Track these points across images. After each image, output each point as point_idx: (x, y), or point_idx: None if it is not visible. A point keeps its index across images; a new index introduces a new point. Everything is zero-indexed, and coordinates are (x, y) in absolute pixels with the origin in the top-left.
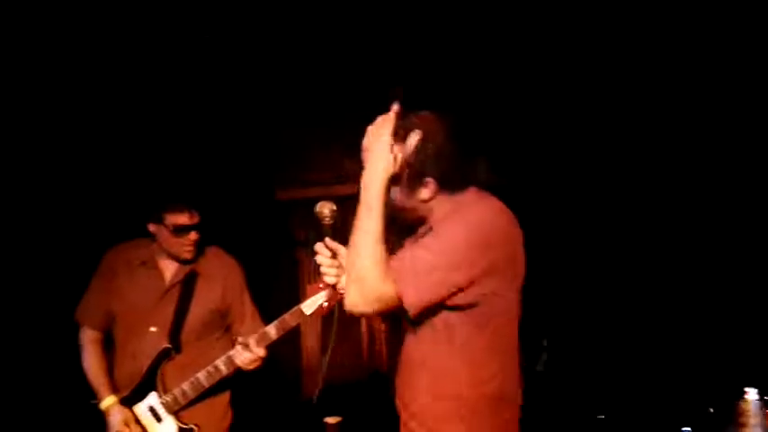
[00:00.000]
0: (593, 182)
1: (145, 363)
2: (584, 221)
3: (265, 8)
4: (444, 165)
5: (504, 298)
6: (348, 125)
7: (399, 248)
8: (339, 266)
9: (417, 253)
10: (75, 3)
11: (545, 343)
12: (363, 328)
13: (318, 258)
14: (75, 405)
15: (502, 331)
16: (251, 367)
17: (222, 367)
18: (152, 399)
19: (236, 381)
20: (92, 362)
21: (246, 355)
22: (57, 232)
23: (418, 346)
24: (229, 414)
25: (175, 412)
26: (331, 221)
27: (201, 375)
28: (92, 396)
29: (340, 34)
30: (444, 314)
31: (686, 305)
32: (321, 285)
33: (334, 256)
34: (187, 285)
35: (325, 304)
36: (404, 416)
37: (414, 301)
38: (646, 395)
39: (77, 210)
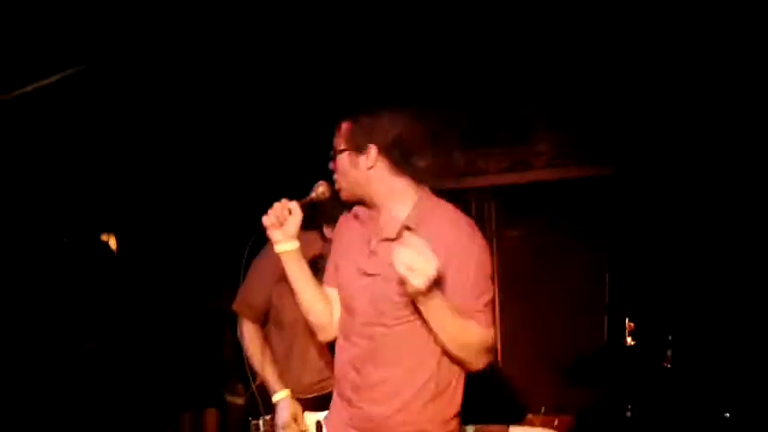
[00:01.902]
0: (711, 177)
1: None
2: (705, 216)
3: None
4: (389, 137)
5: None
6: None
7: (375, 254)
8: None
9: (469, 291)
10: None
11: (670, 338)
12: None
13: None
14: None
15: None
16: None
17: None
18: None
19: None
20: (258, 354)
21: None
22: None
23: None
24: None
25: None
26: (318, 198)
27: None
28: None
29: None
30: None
31: None
32: None
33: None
34: None
35: None
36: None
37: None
38: None
39: None
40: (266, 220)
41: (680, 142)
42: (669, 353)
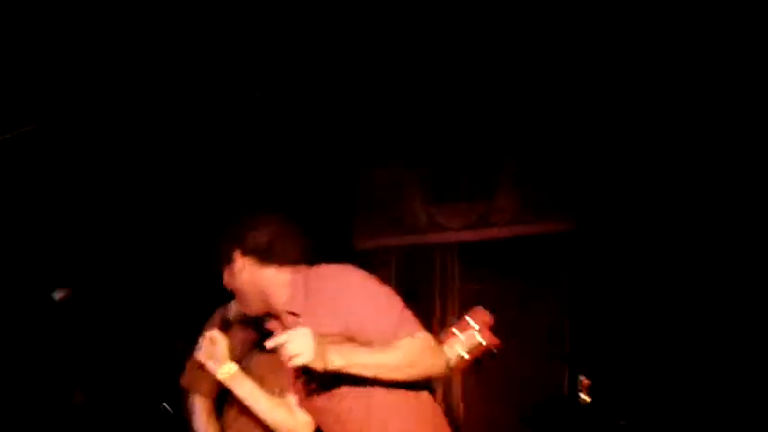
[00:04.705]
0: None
1: None
2: (664, 272)
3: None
4: (242, 236)
5: None
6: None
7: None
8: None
9: (385, 326)
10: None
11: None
12: None
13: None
14: None
15: None
16: None
17: None
18: None
19: None
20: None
21: None
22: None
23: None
24: None
25: None
26: (232, 317)
27: None
28: None
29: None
30: None
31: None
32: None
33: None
34: None
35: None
36: None
37: None
38: None
39: None
40: (201, 356)
41: (640, 198)
42: (625, 411)
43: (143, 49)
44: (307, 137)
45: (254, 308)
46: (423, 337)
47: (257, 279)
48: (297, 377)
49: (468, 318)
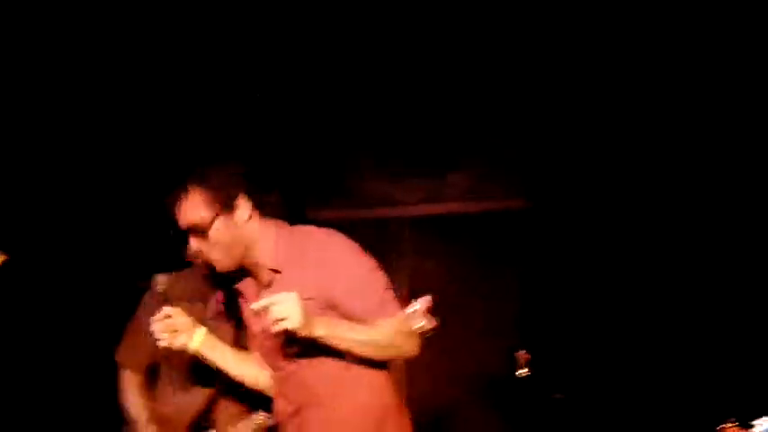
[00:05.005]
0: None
1: None
2: (612, 250)
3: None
4: (242, 182)
5: None
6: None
7: (248, 302)
8: (174, 330)
9: (370, 299)
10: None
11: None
12: None
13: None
14: None
15: None
16: None
17: None
18: None
19: None
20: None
21: None
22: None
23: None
24: None
25: None
26: (162, 290)
27: None
28: None
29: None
30: None
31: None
32: None
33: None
34: None
35: None
36: None
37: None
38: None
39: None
40: (164, 343)
41: (593, 178)
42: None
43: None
44: (265, 108)
45: (233, 262)
46: (401, 320)
47: (246, 230)
48: (262, 338)
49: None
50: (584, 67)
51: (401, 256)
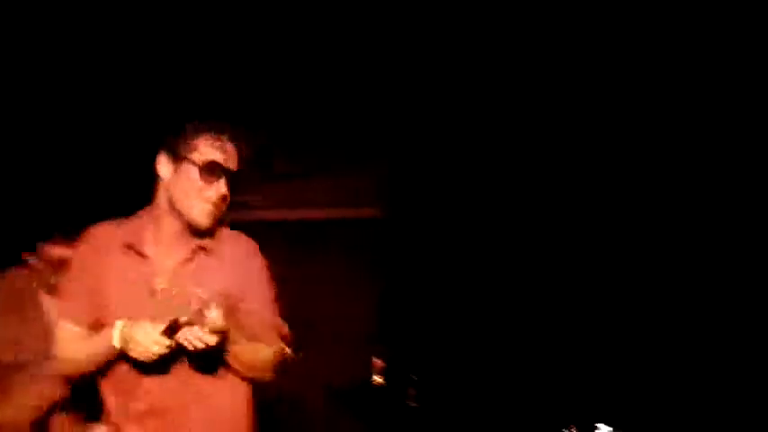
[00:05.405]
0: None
1: None
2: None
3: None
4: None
5: None
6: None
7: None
8: None
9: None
10: None
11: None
12: None
13: None
14: None
15: None
16: None
17: None
18: None
19: None
20: None
21: None
22: None
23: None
24: None
25: None
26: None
27: None
28: None
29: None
30: None
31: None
32: None
33: None
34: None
35: None
36: None
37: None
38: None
39: None
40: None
41: (451, 188)
42: (414, 392)
43: None
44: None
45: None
46: (281, 349)
47: None
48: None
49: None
50: (438, 80)
51: None
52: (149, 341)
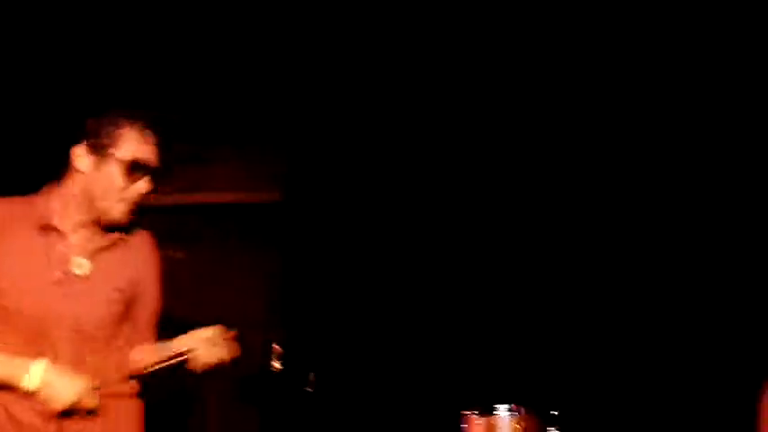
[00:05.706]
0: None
1: None
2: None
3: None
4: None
5: None
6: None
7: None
8: None
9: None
10: None
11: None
12: None
13: None
14: None
15: None
16: None
17: None
18: None
19: None
20: None
21: None
22: None
23: None
24: None
25: None
26: None
27: None
28: None
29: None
30: None
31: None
32: None
33: None
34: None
35: None
36: None
37: None
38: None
39: None
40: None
41: (354, 173)
42: (312, 377)
43: None
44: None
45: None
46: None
47: None
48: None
49: None
50: (336, 64)
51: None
52: (71, 393)
